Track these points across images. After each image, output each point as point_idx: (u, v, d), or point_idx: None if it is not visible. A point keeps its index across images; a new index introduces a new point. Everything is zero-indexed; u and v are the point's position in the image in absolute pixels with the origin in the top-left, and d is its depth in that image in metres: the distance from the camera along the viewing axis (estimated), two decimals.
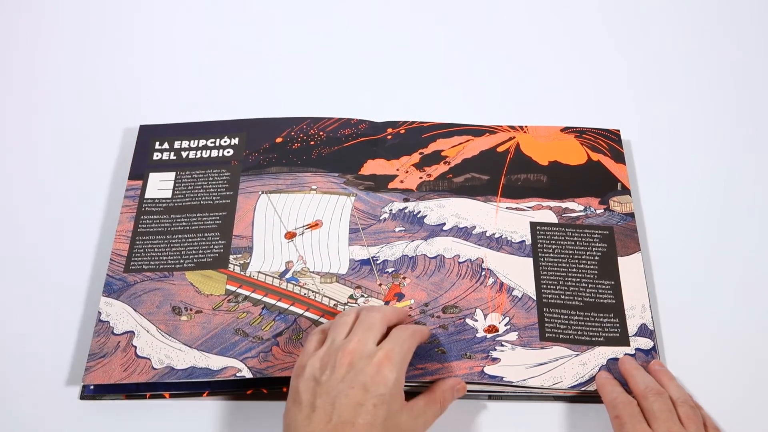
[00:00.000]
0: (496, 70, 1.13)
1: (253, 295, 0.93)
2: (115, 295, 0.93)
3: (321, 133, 1.04)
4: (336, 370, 0.77)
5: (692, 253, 0.97)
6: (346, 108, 1.06)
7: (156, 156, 1.03)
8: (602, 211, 0.96)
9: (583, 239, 0.94)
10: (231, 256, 0.96)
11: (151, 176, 1.01)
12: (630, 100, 1.10)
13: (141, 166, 1.02)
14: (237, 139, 1.04)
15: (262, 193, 1.00)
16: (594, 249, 0.93)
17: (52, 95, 1.11)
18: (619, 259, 0.93)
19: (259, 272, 0.94)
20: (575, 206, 0.97)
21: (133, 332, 0.90)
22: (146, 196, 1.00)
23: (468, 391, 0.86)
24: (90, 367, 0.88)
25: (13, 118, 1.09)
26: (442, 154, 1.01)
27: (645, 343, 0.88)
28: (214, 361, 0.88)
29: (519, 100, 1.09)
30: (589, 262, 0.92)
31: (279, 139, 1.04)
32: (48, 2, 1.20)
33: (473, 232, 0.96)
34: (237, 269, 0.95)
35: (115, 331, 0.91)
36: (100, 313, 0.92)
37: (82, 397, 0.88)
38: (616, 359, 0.86)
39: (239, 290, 0.93)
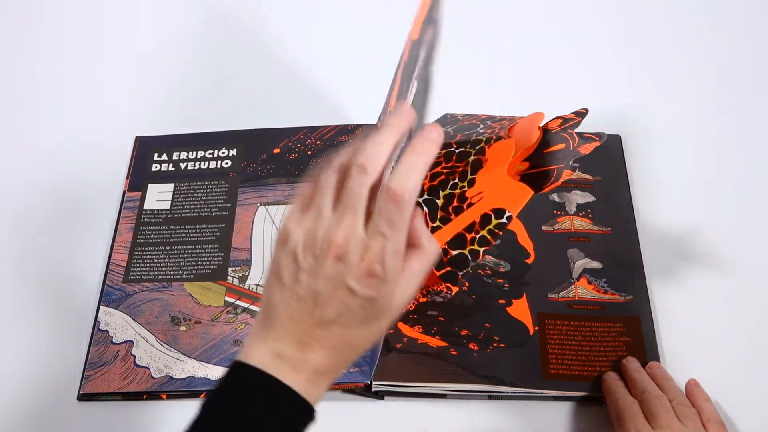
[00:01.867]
0: (495, 73, 1.14)
1: (252, 307, 0.93)
2: (114, 305, 0.93)
3: (318, 142, 1.04)
4: (320, 262, 0.64)
5: (690, 257, 0.97)
6: (345, 113, 1.07)
7: (155, 167, 1.04)
8: None
9: None
10: (230, 269, 0.96)
11: (150, 187, 1.02)
12: (631, 102, 1.10)
13: (140, 177, 1.03)
14: (235, 150, 1.04)
15: (261, 204, 1.00)
16: None
17: (53, 105, 1.12)
18: None
19: (257, 285, 0.94)
20: None
21: (132, 341, 0.90)
22: (145, 207, 1.00)
23: (468, 391, 0.86)
24: (89, 376, 0.88)
25: (12, 128, 1.10)
26: None
27: None
28: (213, 371, 0.88)
29: (517, 98, 1.10)
30: None
31: (276, 150, 1.04)
32: (49, 11, 1.21)
33: None
34: (236, 281, 0.95)
35: (114, 341, 0.91)
36: (99, 322, 0.92)
37: (80, 397, 0.88)
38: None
39: (238, 302, 0.93)
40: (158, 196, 1.01)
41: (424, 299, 0.91)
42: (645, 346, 0.89)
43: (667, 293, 0.94)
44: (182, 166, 1.04)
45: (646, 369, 0.87)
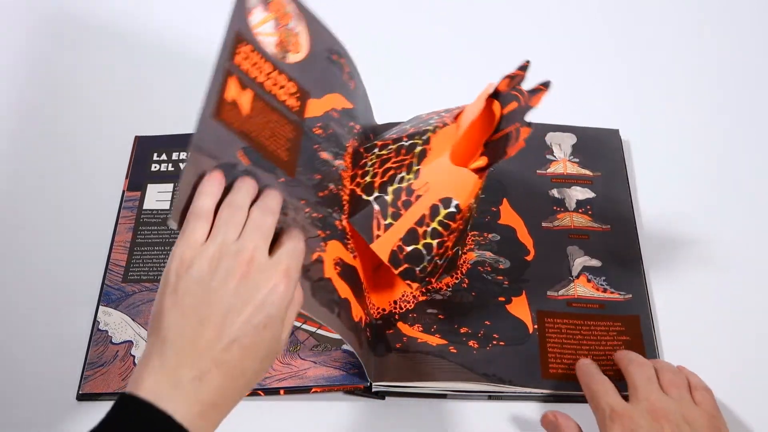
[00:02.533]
0: (495, 68, 1.13)
1: None
2: (113, 305, 0.93)
3: None
4: (228, 281, 0.69)
5: (690, 256, 0.96)
6: None
7: (154, 167, 1.03)
8: None
9: None
10: None
11: (150, 187, 1.02)
12: (630, 99, 1.10)
13: (139, 177, 1.03)
14: None
15: None
16: None
17: (53, 104, 1.11)
18: None
19: None
20: None
21: (131, 342, 0.90)
22: (144, 207, 1.00)
23: (468, 391, 0.86)
24: (88, 376, 0.88)
25: (12, 126, 1.09)
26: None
27: None
28: None
29: None
30: None
31: None
32: (49, 9, 1.21)
33: None
34: None
35: (113, 341, 0.91)
36: (98, 322, 0.92)
37: (79, 397, 0.88)
38: None
39: None
40: (158, 196, 1.01)
41: (423, 297, 0.91)
42: (644, 345, 0.89)
43: (666, 292, 0.93)
44: (182, 166, 1.04)
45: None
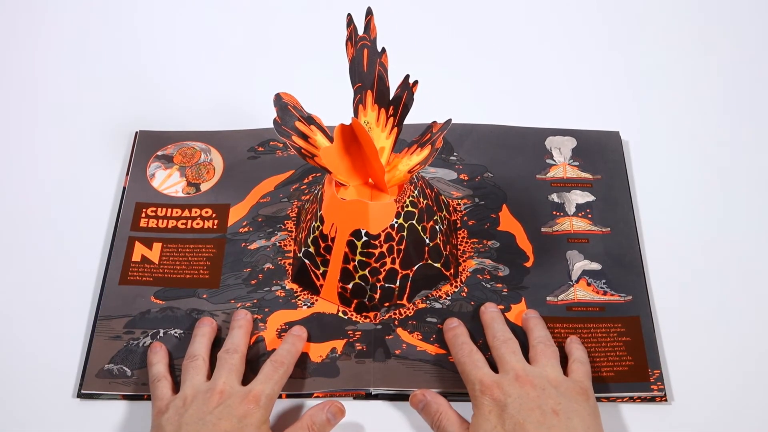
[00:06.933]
0: (494, 71, 1.13)
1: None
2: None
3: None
4: (204, 405, 0.80)
5: (691, 256, 0.97)
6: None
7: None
8: None
9: None
10: None
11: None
12: (630, 100, 1.10)
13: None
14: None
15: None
16: None
17: (55, 100, 1.12)
18: None
19: None
20: None
21: None
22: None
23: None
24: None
25: (17, 123, 1.10)
26: None
27: None
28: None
29: (520, 100, 1.10)
30: None
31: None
32: (51, 5, 1.21)
33: None
34: None
35: None
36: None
37: (80, 396, 0.87)
38: None
39: None
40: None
41: (423, 305, 0.92)
42: (645, 346, 0.89)
43: (667, 292, 0.94)
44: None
45: (522, 319, 0.89)
